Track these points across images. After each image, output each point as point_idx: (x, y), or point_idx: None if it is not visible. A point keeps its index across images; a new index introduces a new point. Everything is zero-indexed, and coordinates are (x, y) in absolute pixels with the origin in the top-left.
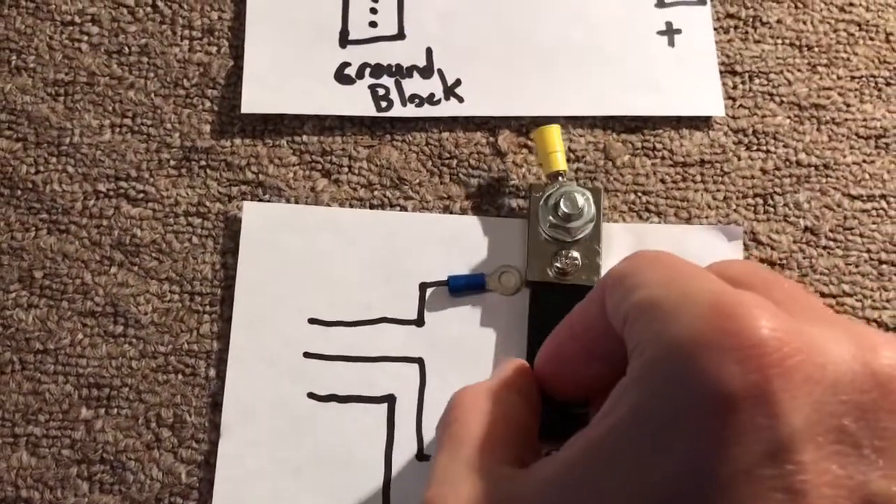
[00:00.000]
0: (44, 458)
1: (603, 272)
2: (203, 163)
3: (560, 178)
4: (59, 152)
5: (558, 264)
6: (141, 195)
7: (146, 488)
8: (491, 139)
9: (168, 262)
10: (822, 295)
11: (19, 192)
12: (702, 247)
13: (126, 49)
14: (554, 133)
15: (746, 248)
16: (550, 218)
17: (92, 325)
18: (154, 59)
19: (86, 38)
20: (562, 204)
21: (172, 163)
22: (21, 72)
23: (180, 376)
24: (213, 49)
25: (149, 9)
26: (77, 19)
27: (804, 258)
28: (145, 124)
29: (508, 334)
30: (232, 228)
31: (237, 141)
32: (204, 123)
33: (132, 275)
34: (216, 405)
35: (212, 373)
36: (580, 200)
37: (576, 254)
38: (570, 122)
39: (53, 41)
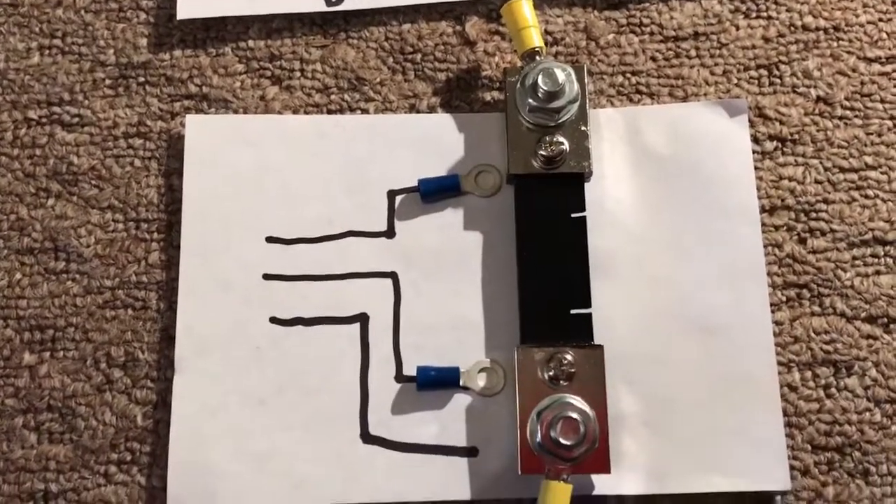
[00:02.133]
0: None
1: (596, 160)
2: (141, 79)
3: (537, 58)
4: None
5: (543, 152)
6: (76, 119)
7: (99, 434)
8: (458, 28)
9: (109, 190)
10: (842, 170)
11: None
12: (703, 126)
13: None
14: (524, 5)
15: (752, 123)
16: (530, 101)
17: (30, 262)
18: None
19: None
20: (540, 81)
21: (108, 82)
22: None
23: (129, 311)
24: None
25: None
26: None
27: (818, 131)
28: (76, 43)
29: (492, 238)
30: (177, 147)
31: (177, 52)
32: (139, 37)
33: (71, 206)
34: (171, 339)
35: (163, 305)
36: (560, 76)
37: (562, 138)
38: (545, 2)
39: None
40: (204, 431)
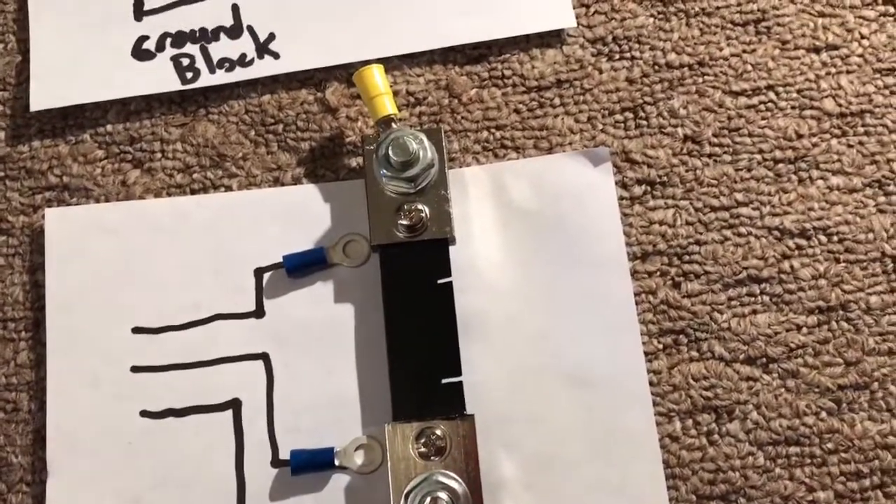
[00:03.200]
0: None
1: (455, 221)
2: (1, 174)
3: (394, 125)
4: None
5: (404, 221)
6: None
7: None
8: (318, 95)
9: None
10: (713, 209)
11: None
12: (567, 178)
13: None
14: (375, 73)
15: (619, 169)
16: (384, 171)
17: None
18: None
19: None
20: (391, 152)
21: None
22: None
23: (1, 414)
24: None
25: None
26: None
27: (687, 171)
28: None
29: (363, 308)
30: (39, 242)
31: (35, 143)
32: None
33: None
34: (44, 440)
35: (35, 405)
36: (412, 145)
37: (421, 206)
38: (404, 62)
39: None
40: None
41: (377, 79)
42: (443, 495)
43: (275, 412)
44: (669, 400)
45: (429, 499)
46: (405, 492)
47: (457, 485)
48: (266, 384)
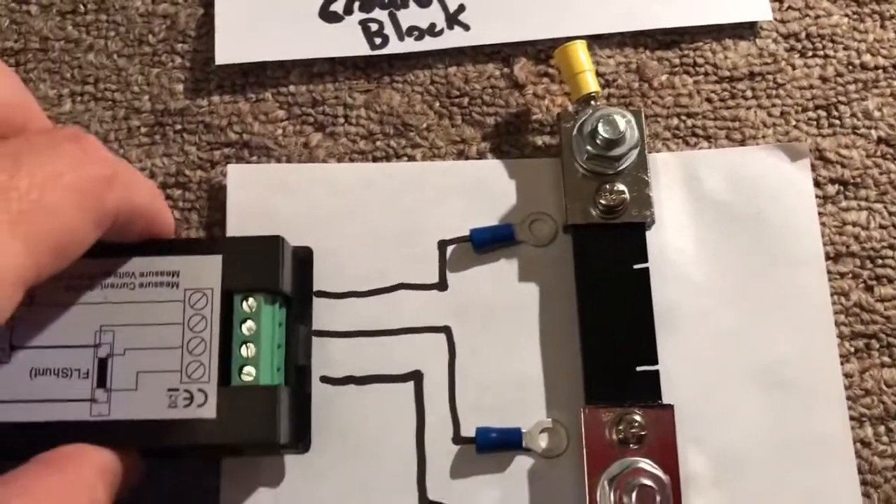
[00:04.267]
0: None
1: (655, 205)
2: (178, 127)
3: (593, 103)
4: None
5: (603, 201)
6: None
7: None
8: (505, 70)
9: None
10: None
11: None
12: (763, 171)
13: (81, 7)
14: (580, 50)
15: (813, 167)
16: (588, 148)
17: None
18: (113, 15)
19: None
20: (600, 129)
21: (144, 130)
22: None
23: None
24: None
25: None
26: None
27: (881, 174)
28: (109, 90)
29: (548, 289)
30: (218, 198)
31: (215, 98)
32: (176, 82)
33: None
34: None
35: None
36: (621, 123)
37: (622, 186)
38: (594, 42)
39: None
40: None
41: (581, 55)
42: (650, 482)
43: (456, 388)
44: (861, 404)
45: (636, 487)
46: (608, 477)
47: (661, 474)
48: (448, 358)
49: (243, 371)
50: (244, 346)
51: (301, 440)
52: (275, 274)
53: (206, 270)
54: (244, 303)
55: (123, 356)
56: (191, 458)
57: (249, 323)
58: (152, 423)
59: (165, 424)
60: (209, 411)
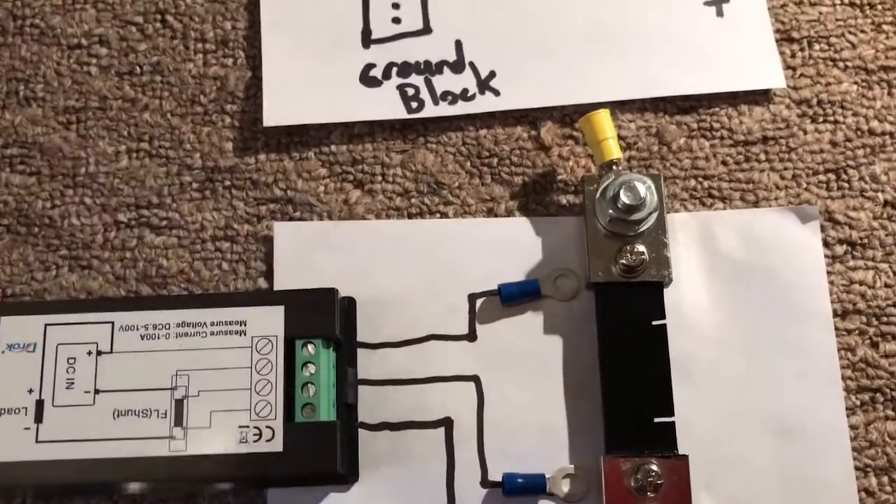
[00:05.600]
0: None
1: (672, 266)
2: (227, 183)
3: (615, 168)
4: (74, 183)
5: (624, 261)
6: (164, 222)
7: None
8: (533, 133)
9: (198, 292)
10: None
11: (36, 230)
12: (775, 231)
13: (137, 69)
14: (604, 118)
15: (822, 227)
16: (610, 211)
17: None
18: (167, 76)
19: (94, 60)
20: (622, 195)
21: (195, 185)
22: (30, 102)
23: None
24: (229, 61)
25: (158, 24)
26: (84, 42)
27: (887, 235)
28: (163, 146)
29: (571, 342)
30: (263, 250)
31: (262, 156)
32: (225, 141)
33: None
34: None
35: None
36: (642, 189)
37: (642, 248)
38: (616, 108)
39: (61, 67)
40: None
41: (605, 123)
42: None
43: (485, 434)
44: (866, 455)
45: None
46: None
47: None
48: (476, 405)
49: (305, 409)
50: (305, 387)
51: (353, 470)
52: (331, 322)
53: (271, 320)
54: (304, 348)
55: (198, 397)
56: (256, 487)
57: (310, 366)
58: (225, 457)
59: (237, 458)
60: (276, 445)
